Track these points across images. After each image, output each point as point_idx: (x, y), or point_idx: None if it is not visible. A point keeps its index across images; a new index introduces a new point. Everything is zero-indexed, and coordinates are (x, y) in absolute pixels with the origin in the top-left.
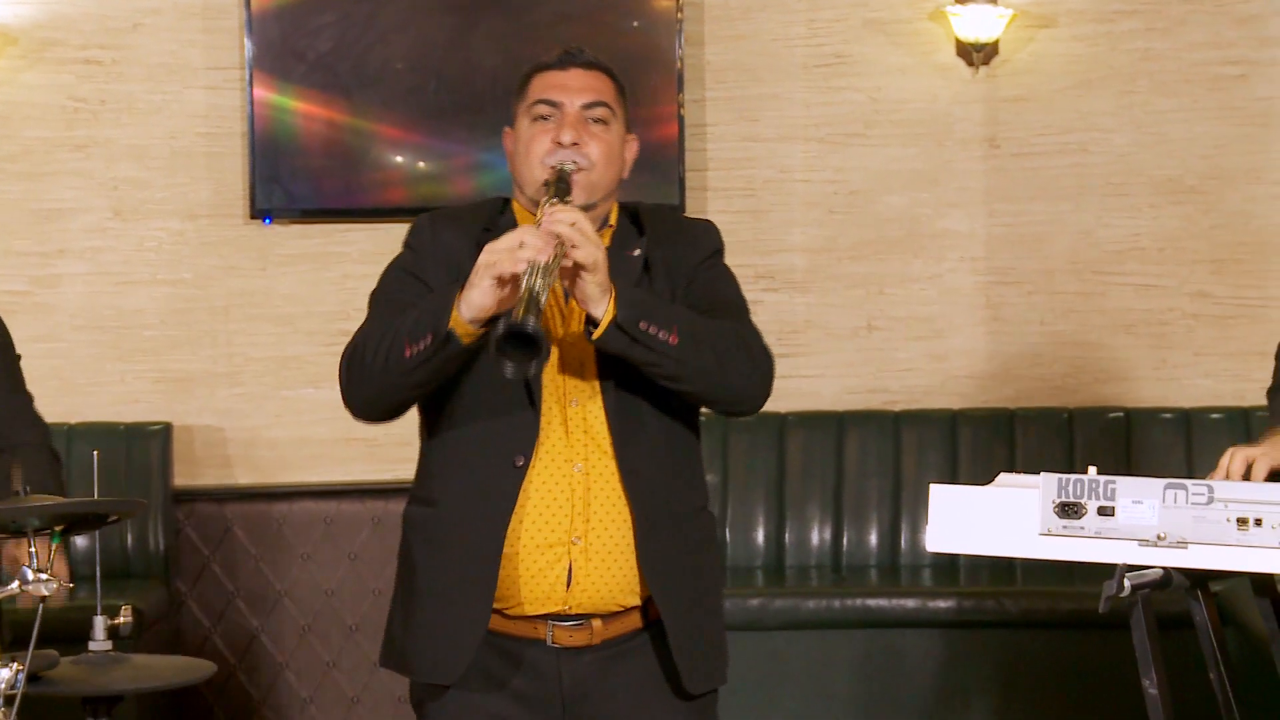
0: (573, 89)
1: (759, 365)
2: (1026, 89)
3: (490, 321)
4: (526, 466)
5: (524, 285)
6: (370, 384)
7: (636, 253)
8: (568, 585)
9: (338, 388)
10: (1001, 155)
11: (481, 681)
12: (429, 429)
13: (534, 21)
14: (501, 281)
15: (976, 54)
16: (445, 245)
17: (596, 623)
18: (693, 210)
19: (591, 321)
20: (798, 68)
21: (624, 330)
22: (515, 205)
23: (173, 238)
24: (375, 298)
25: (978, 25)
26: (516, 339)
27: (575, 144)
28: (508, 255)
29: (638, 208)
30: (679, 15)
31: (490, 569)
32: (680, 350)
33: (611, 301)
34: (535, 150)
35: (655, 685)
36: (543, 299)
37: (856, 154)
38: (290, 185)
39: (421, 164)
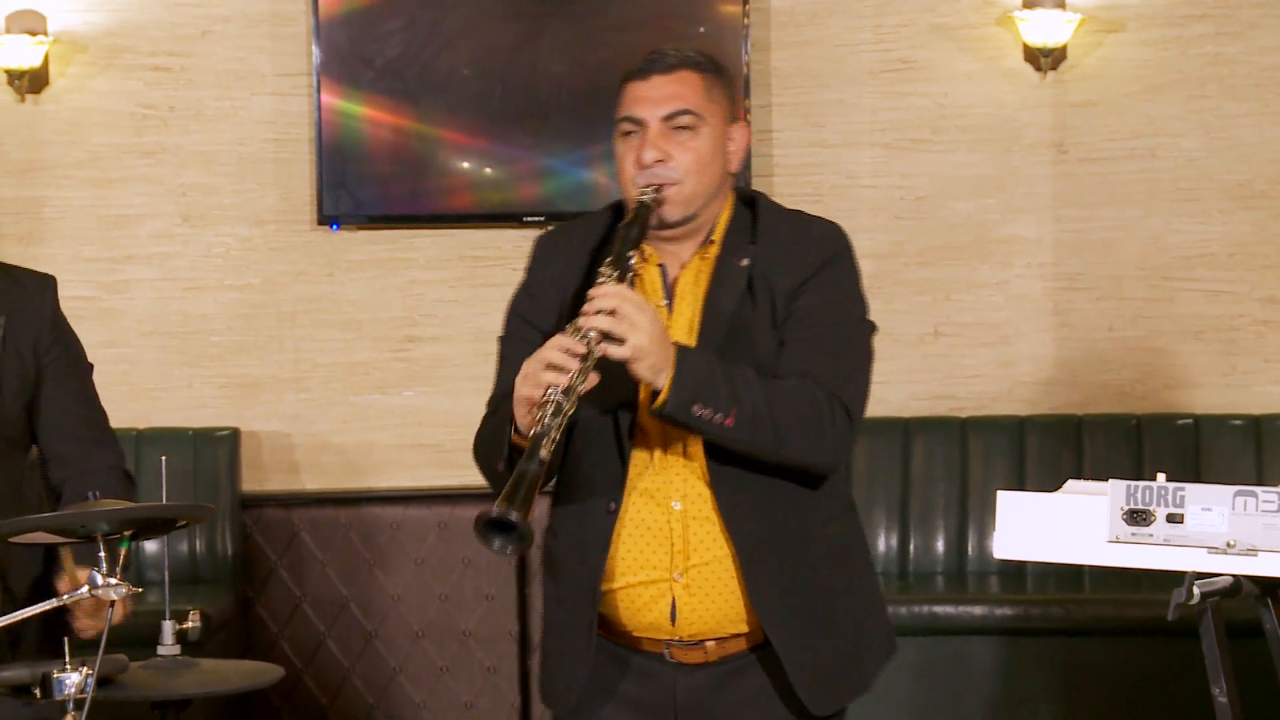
0: (653, 100)
1: (828, 434)
2: (1095, 94)
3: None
4: (618, 511)
5: (534, 429)
6: (493, 482)
7: (744, 263)
8: (673, 620)
9: (403, 393)
10: (1069, 160)
11: (600, 691)
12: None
13: (599, 27)
14: (531, 405)
15: (1044, 59)
16: (555, 278)
17: (710, 644)
18: None
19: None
20: (864, 73)
21: (674, 417)
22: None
23: (240, 244)
24: (502, 344)
25: (1046, 30)
26: (498, 526)
27: (660, 160)
28: (531, 381)
29: (757, 202)
30: (745, 21)
31: (589, 610)
32: (736, 432)
33: (667, 385)
34: (625, 170)
35: (771, 702)
36: (542, 453)
37: (923, 159)
38: (357, 191)
39: (488, 170)
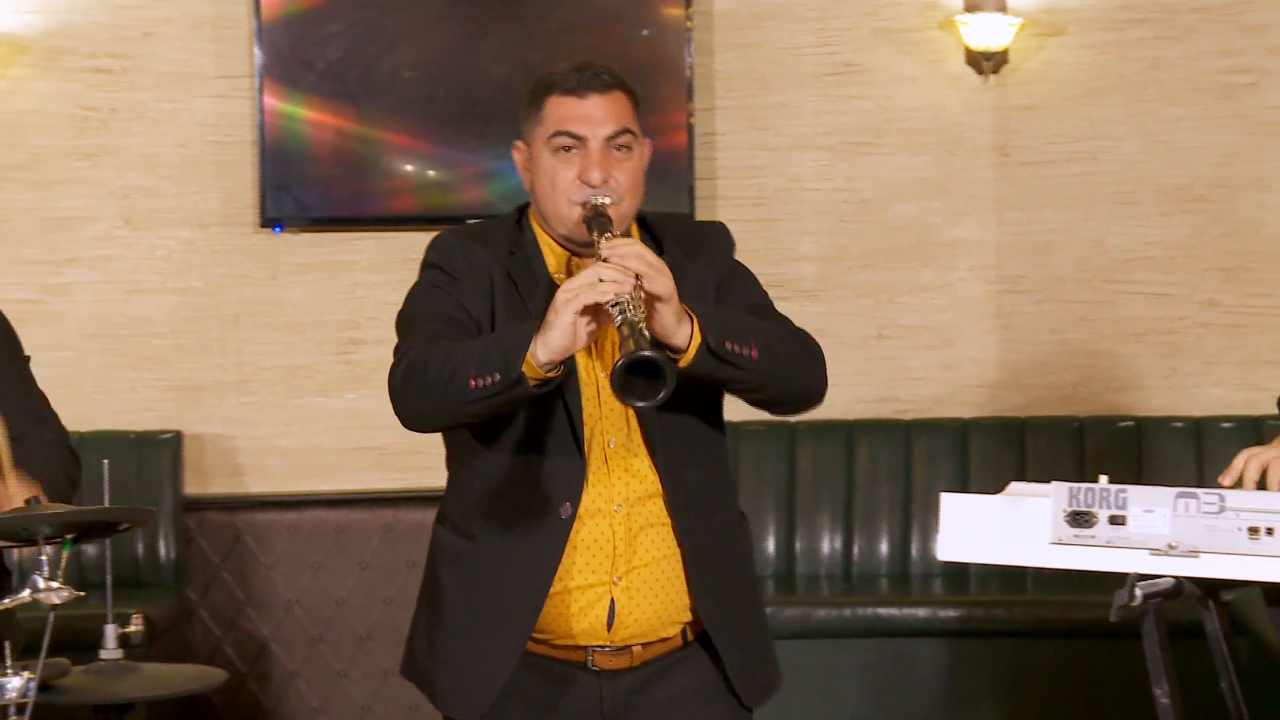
0: (596, 119)
1: (818, 359)
2: (1036, 97)
3: (563, 364)
4: (573, 517)
5: (619, 320)
6: (428, 400)
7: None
8: (610, 624)
9: (346, 396)
10: (1011, 164)
11: (518, 701)
12: (467, 457)
13: (543, 29)
14: (584, 315)
15: (986, 62)
16: (478, 263)
17: (637, 648)
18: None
19: (668, 348)
20: (808, 76)
21: (714, 353)
22: (536, 228)
23: (182, 246)
24: (409, 320)
25: (987, 34)
26: (639, 369)
27: (604, 180)
28: (589, 289)
29: (644, 216)
30: (688, 24)
31: (531, 612)
32: (762, 363)
33: (696, 327)
34: (560, 185)
35: (698, 699)
36: (643, 329)
37: (867, 163)
38: (299, 193)
39: (430, 172)
